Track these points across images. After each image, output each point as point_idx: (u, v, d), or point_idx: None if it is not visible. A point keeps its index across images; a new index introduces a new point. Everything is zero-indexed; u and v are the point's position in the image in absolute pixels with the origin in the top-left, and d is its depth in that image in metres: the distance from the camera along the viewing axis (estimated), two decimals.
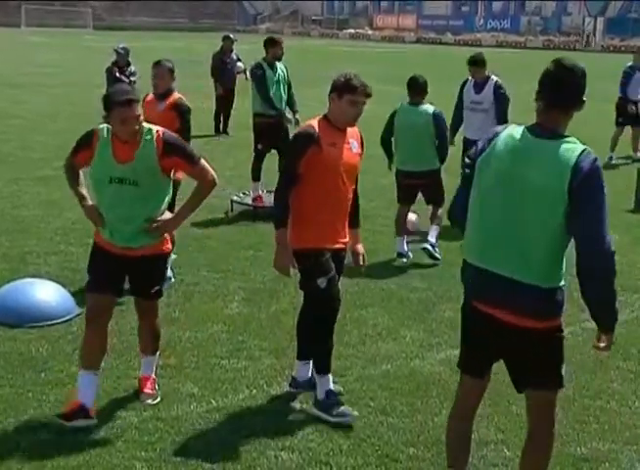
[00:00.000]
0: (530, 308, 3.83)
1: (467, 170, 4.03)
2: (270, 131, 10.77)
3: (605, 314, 3.86)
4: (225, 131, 17.42)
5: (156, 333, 5.57)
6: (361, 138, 5.52)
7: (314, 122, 5.28)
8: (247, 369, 6.03)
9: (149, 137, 5.07)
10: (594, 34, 63.02)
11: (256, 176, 10.96)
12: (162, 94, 7.74)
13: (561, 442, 5.10)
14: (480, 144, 4.01)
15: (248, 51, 22.07)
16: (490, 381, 4.22)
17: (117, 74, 13.76)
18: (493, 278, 3.87)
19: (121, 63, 13.95)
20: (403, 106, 8.87)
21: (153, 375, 5.62)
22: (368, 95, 5.26)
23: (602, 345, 3.90)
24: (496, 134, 3.95)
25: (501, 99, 10.03)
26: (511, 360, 4.06)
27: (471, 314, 4.08)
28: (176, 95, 7.81)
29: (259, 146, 10.93)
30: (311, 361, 5.58)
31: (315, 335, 5.42)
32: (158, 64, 7.83)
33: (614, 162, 15.00)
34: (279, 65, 10.92)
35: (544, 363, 3.96)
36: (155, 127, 5.14)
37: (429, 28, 75.39)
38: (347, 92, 5.19)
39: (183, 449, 4.91)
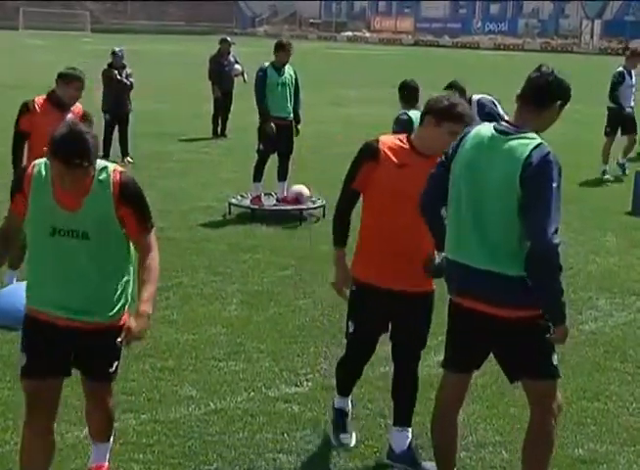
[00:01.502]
0: (504, 298, 3.90)
1: (440, 168, 4.17)
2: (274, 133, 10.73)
3: (550, 308, 3.92)
4: (223, 134, 17.42)
5: (109, 418, 4.45)
6: None
7: (386, 137, 4.68)
8: (245, 372, 6.03)
9: (103, 177, 3.89)
10: (591, 37, 63.11)
11: (257, 177, 10.95)
12: (68, 104, 7.23)
13: (559, 444, 5.09)
14: (454, 144, 4.16)
15: (246, 54, 22.10)
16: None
17: (118, 77, 13.82)
18: (467, 270, 3.98)
19: (117, 65, 14.04)
20: None
21: (106, 463, 4.52)
22: (467, 125, 4.57)
23: (553, 336, 3.94)
24: (466, 133, 4.12)
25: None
26: (500, 352, 4.12)
27: (454, 311, 4.15)
28: (79, 105, 7.42)
29: (261, 146, 10.93)
30: (410, 429, 4.94)
31: (341, 370, 5.12)
32: (79, 77, 7.21)
33: (607, 176, 13.66)
34: (287, 68, 10.85)
35: (532, 352, 4.00)
36: (111, 165, 3.96)
37: (426, 31, 75.34)
38: (450, 120, 4.45)
39: (181, 452, 4.91)
